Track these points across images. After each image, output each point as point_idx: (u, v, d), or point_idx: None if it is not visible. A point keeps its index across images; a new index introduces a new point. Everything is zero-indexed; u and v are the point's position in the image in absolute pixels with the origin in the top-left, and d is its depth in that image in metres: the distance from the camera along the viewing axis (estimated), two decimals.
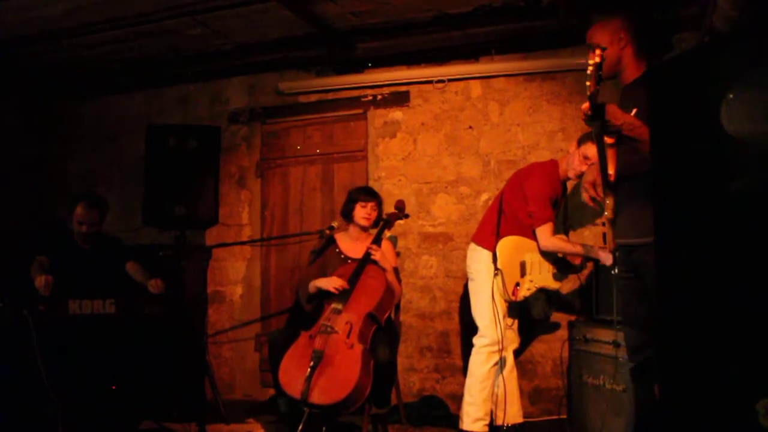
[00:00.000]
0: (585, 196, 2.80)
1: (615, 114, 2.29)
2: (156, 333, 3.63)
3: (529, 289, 3.56)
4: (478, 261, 3.60)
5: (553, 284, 3.64)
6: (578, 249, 3.54)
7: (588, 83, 2.24)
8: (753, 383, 1.65)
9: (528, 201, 3.56)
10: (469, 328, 4.27)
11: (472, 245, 3.69)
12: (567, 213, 3.96)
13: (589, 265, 3.99)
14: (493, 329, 3.47)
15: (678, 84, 1.93)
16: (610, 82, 3.39)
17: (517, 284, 3.52)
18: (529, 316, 3.91)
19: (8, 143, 5.21)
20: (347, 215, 3.77)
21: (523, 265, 3.55)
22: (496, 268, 3.46)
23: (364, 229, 3.76)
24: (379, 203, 3.80)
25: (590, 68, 2.23)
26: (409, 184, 4.56)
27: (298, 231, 4.78)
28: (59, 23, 4.14)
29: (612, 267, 3.43)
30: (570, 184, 3.80)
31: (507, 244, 3.52)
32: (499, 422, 3.63)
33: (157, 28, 4.23)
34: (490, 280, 3.48)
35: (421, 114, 4.58)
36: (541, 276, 3.59)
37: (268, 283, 4.92)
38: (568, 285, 4.16)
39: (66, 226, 3.92)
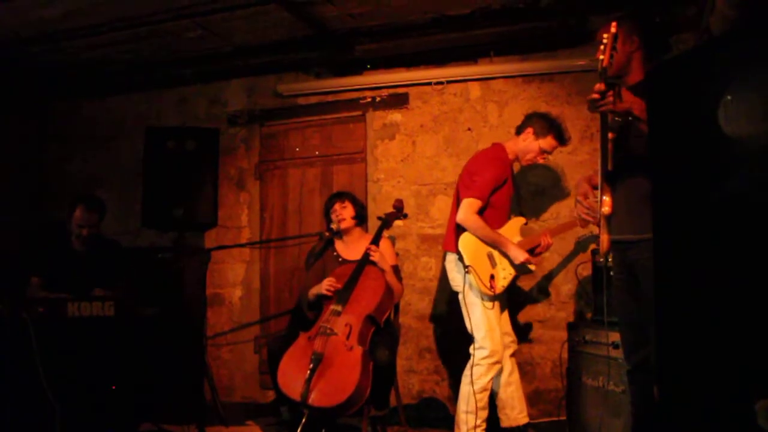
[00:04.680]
0: (579, 210, 2.71)
1: (625, 95, 2.31)
2: (155, 335, 3.62)
3: (505, 278, 3.46)
4: (454, 269, 3.53)
5: (527, 268, 3.52)
6: (492, 236, 3.42)
7: (601, 57, 2.29)
8: (752, 384, 1.65)
9: (470, 178, 3.50)
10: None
11: (446, 255, 3.61)
12: (520, 197, 3.93)
13: (588, 267, 4.00)
14: (490, 339, 3.39)
15: (676, 84, 1.93)
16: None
17: (492, 276, 3.41)
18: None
19: (7, 144, 5.21)
20: (329, 224, 3.79)
21: (490, 257, 3.45)
22: (465, 266, 3.36)
23: (346, 231, 3.76)
24: (351, 200, 3.79)
25: (606, 39, 2.27)
26: (408, 186, 4.56)
27: (297, 233, 4.79)
28: (59, 25, 4.15)
29: (520, 268, 3.45)
30: (517, 166, 3.79)
31: (468, 239, 3.43)
32: (504, 425, 3.63)
33: (156, 30, 4.24)
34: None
35: (420, 116, 4.58)
36: (512, 263, 3.50)
37: (267, 285, 4.91)
38: (567, 285, 4.18)
39: (63, 228, 3.93)
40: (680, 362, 1.90)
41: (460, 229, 3.47)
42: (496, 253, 3.48)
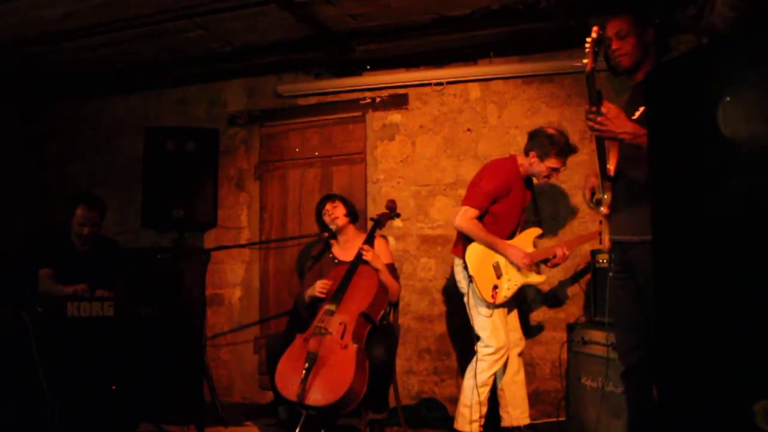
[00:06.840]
0: (582, 197, 2.81)
1: (616, 121, 2.31)
2: (154, 335, 3.62)
3: (509, 289, 3.49)
4: (461, 273, 3.57)
5: (535, 278, 3.58)
6: (489, 239, 3.47)
7: (585, 61, 2.32)
8: (751, 384, 1.65)
9: (473, 187, 3.56)
10: (468, 331, 4.28)
11: (454, 259, 3.66)
12: (537, 207, 3.95)
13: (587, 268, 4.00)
14: (496, 338, 3.45)
15: (675, 86, 1.93)
16: (607, 84, 3.43)
17: (495, 287, 3.46)
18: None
19: (7, 144, 5.21)
20: (324, 227, 3.80)
21: (497, 267, 3.50)
22: (468, 276, 3.44)
23: (341, 230, 3.78)
24: (341, 200, 3.81)
25: (587, 45, 2.32)
26: (408, 187, 4.56)
27: (297, 233, 4.79)
28: (59, 25, 4.14)
29: (528, 276, 3.50)
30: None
31: (475, 249, 3.48)
32: (504, 424, 3.64)
33: (156, 30, 4.24)
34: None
35: (419, 116, 4.59)
36: (520, 273, 3.53)
37: (266, 286, 4.91)
38: (567, 286, 4.18)
39: (64, 228, 3.93)
40: (680, 363, 1.90)
41: (466, 237, 3.52)
42: (503, 263, 3.51)
